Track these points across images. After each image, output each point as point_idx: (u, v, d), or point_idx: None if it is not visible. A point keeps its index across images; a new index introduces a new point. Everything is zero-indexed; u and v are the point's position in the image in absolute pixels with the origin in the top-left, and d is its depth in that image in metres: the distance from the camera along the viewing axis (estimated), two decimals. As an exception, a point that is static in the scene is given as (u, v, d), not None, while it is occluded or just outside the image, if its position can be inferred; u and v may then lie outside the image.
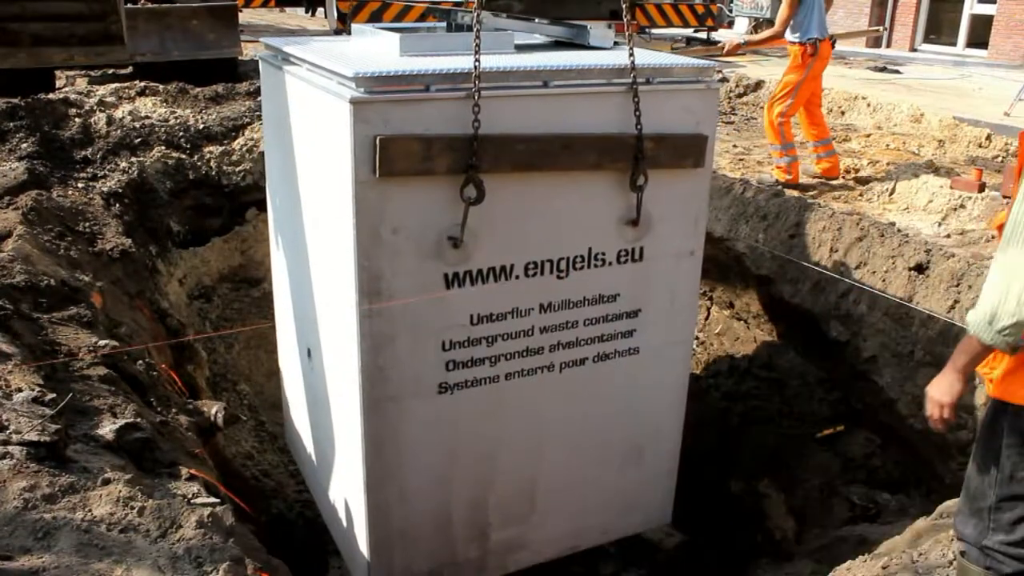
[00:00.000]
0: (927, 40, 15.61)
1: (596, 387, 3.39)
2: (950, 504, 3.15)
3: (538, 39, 3.72)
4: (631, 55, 2.93)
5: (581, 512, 3.63)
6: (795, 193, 5.67)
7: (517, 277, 3.05)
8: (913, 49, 15.49)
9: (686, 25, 14.19)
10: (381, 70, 2.66)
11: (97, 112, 5.65)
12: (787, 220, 5.08)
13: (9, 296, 3.00)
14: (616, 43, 3.52)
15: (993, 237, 4.78)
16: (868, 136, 7.83)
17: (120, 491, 2.08)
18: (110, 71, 8.52)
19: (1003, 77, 11.40)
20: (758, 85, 10.03)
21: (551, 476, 3.47)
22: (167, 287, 4.72)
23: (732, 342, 5.59)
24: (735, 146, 7.45)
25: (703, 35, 14.73)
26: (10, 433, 2.17)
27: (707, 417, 5.11)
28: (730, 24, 17.01)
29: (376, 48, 3.26)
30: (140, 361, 3.25)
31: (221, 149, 5.53)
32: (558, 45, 3.60)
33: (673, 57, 3.31)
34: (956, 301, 4.04)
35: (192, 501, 2.25)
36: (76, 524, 1.96)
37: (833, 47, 6.18)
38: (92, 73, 8.49)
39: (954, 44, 15.02)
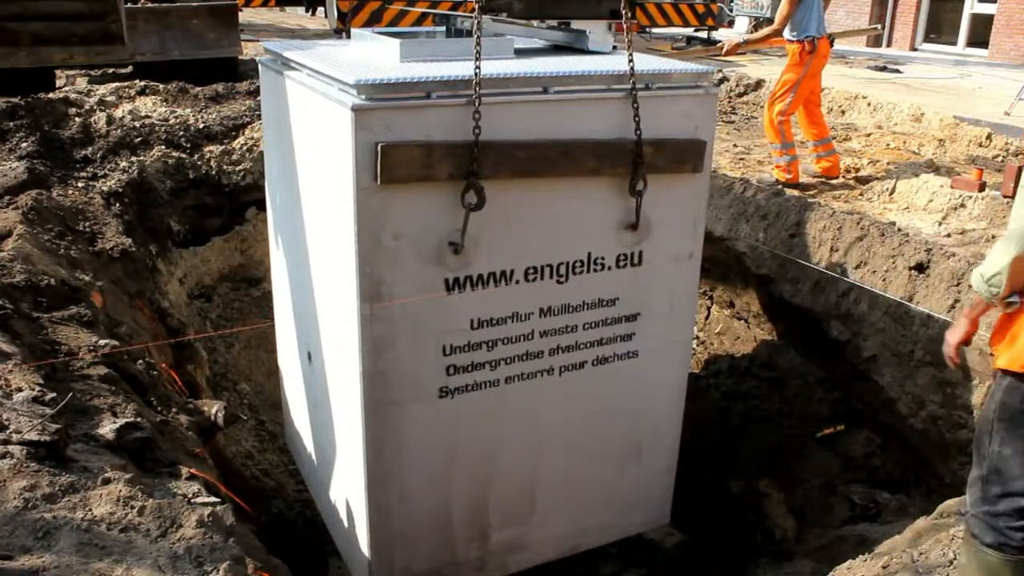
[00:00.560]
0: (927, 39, 15.61)
1: (595, 390, 3.40)
2: (951, 504, 3.15)
3: (537, 44, 3.72)
4: (630, 60, 2.93)
5: (580, 513, 3.64)
6: (795, 192, 5.67)
7: (517, 282, 3.06)
8: (913, 48, 15.49)
9: (686, 24, 14.18)
10: (382, 77, 2.66)
11: (97, 111, 5.65)
12: (787, 219, 5.08)
13: (9, 295, 3.00)
14: (615, 47, 3.52)
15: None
16: (868, 135, 7.83)
17: (120, 491, 2.08)
18: (110, 70, 8.52)
19: (1003, 76, 11.40)
20: (758, 84, 10.03)
21: (551, 477, 3.48)
22: (167, 286, 4.72)
23: (732, 341, 5.59)
24: (735, 145, 7.45)
25: (703, 35, 14.73)
26: (10, 433, 2.17)
27: (707, 416, 5.11)
28: (730, 23, 17.00)
29: (376, 54, 3.26)
30: (140, 361, 3.25)
31: (221, 148, 5.53)
32: (557, 50, 3.60)
33: (672, 62, 3.32)
34: (956, 300, 4.04)
35: (192, 501, 2.25)
36: (76, 524, 1.96)
37: (832, 45, 6.18)
38: (92, 72, 8.49)
39: (954, 43, 15.02)
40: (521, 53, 3.37)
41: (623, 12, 3.30)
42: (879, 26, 15.02)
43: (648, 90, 3.03)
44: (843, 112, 9.01)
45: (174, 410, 3.10)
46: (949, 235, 4.97)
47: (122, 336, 3.37)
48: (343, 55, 3.23)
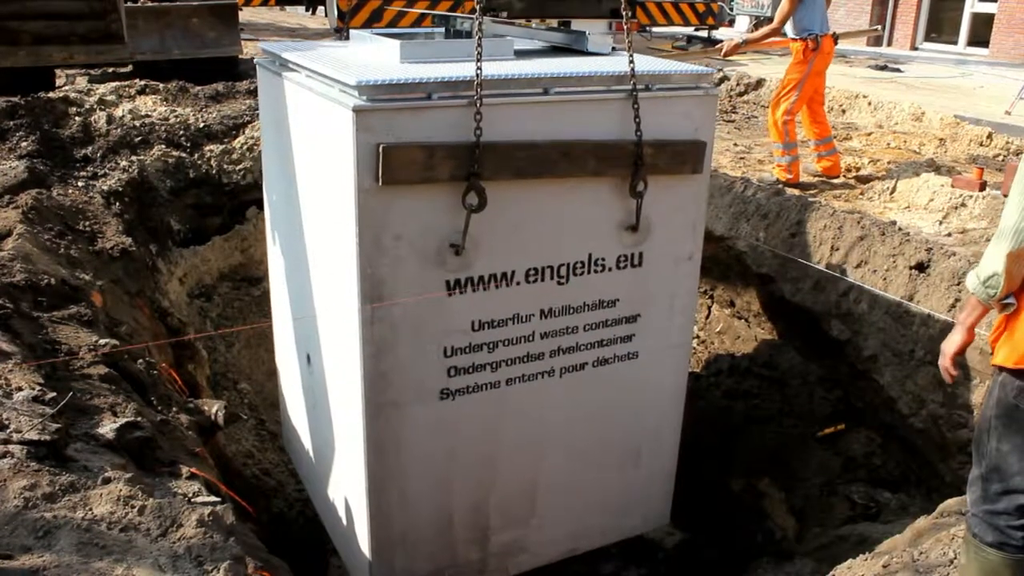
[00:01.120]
0: (928, 39, 15.61)
1: (596, 391, 3.40)
2: (951, 503, 3.15)
3: (536, 45, 3.72)
4: (631, 61, 2.93)
5: (580, 514, 3.64)
6: (796, 192, 5.67)
7: (518, 283, 3.05)
8: (914, 47, 15.49)
9: (687, 23, 14.18)
10: (384, 78, 2.64)
11: (97, 111, 5.64)
12: (788, 219, 5.08)
13: (9, 295, 3.00)
14: (614, 48, 3.52)
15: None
16: (869, 135, 7.83)
17: (120, 490, 2.08)
18: (110, 69, 8.52)
19: (1004, 75, 11.39)
20: (759, 83, 10.03)
21: (551, 479, 3.48)
22: (167, 286, 4.72)
23: (733, 341, 5.59)
24: (736, 144, 7.45)
25: (703, 33, 14.72)
26: (10, 432, 2.17)
27: (708, 416, 5.11)
28: (731, 23, 16.99)
29: (376, 55, 3.25)
30: (140, 360, 3.24)
31: (221, 148, 5.52)
32: (556, 51, 3.60)
33: (672, 64, 3.31)
34: (957, 300, 4.04)
35: (193, 500, 2.25)
36: (76, 523, 1.96)
37: (836, 43, 6.18)
38: (92, 72, 8.50)
39: (955, 43, 15.01)
40: (520, 54, 3.36)
41: (623, 11, 3.30)
42: (879, 27, 15.02)
43: (648, 91, 3.02)
44: (844, 111, 9.01)
45: (174, 409, 3.10)
46: (950, 234, 4.97)
47: (122, 335, 3.37)
48: (342, 56, 3.22)
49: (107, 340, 3.03)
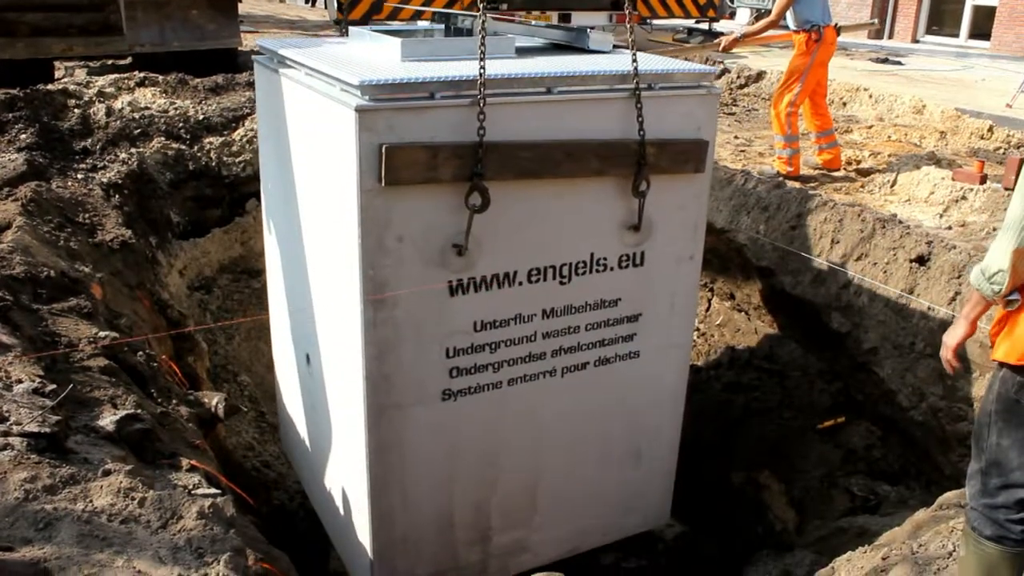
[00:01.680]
0: (929, 31, 15.57)
1: (597, 390, 3.39)
2: (950, 495, 3.16)
3: (537, 42, 3.70)
4: (634, 60, 2.91)
5: (581, 514, 3.63)
6: (796, 184, 5.66)
7: (520, 284, 3.04)
8: (915, 40, 15.45)
9: (687, 16, 14.11)
10: (386, 78, 2.61)
11: (96, 103, 5.63)
12: (788, 211, 5.08)
13: (9, 287, 2.99)
14: (615, 46, 3.50)
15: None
16: (870, 127, 7.81)
17: (121, 482, 2.08)
18: (109, 61, 8.50)
19: (1005, 69, 11.37)
20: (760, 76, 10.01)
21: (552, 478, 3.47)
22: (167, 278, 4.72)
23: (733, 333, 5.59)
24: (736, 137, 7.43)
25: (704, 26, 14.67)
26: (11, 424, 2.17)
27: (708, 408, 5.12)
28: (732, 15, 16.95)
29: (376, 53, 3.21)
30: (140, 352, 3.24)
31: (221, 140, 5.51)
32: (556, 48, 3.58)
33: (675, 62, 3.29)
34: (957, 293, 4.04)
35: (193, 492, 2.25)
36: (77, 515, 1.96)
37: (839, 34, 6.16)
38: (91, 63, 8.47)
39: (956, 35, 14.98)
40: (521, 52, 3.34)
41: (624, 3, 3.28)
42: (875, 21, 14.98)
43: (651, 90, 3.01)
44: (844, 104, 8.99)
45: (174, 402, 3.10)
46: (950, 227, 4.97)
47: (122, 328, 3.36)
48: (342, 54, 3.18)
49: (107, 332, 3.02)
